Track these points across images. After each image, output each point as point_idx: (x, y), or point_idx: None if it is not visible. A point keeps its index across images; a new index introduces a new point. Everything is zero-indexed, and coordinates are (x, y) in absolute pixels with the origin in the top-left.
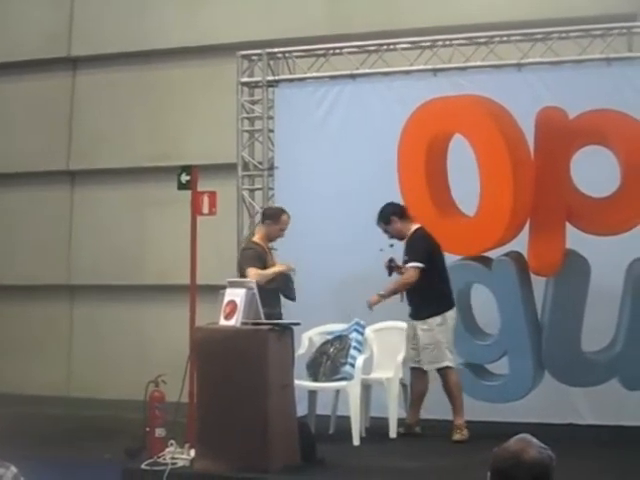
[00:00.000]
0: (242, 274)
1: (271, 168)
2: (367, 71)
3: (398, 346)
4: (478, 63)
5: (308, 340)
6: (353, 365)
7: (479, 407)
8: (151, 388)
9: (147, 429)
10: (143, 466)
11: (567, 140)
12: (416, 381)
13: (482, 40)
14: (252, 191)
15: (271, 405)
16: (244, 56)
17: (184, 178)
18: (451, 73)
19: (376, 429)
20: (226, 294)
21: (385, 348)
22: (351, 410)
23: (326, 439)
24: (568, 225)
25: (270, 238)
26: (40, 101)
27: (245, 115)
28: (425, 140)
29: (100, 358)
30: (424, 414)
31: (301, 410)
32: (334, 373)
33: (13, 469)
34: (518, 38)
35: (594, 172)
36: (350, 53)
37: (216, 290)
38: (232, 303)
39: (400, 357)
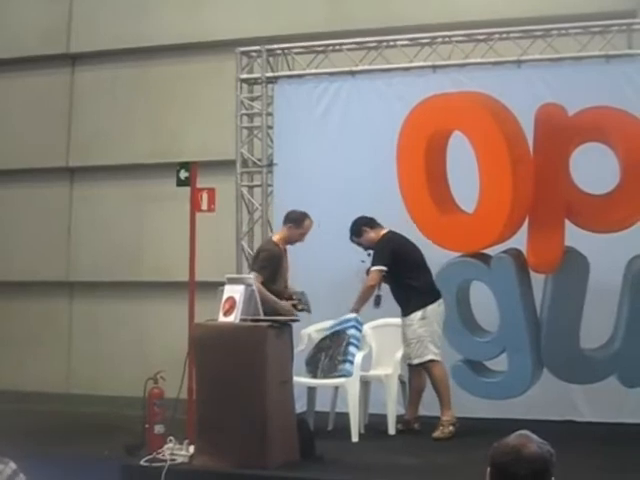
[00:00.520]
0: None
1: (270, 165)
2: (366, 68)
3: (397, 343)
4: (478, 60)
5: (307, 337)
6: (352, 362)
7: (478, 404)
8: (150, 384)
9: (146, 425)
10: (142, 462)
11: (566, 137)
12: (414, 378)
13: (482, 37)
14: (251, 188)
15: (270, 401)
16: (243, 52)
17: (183, 175)
18: (450, 70)
19: (375, 426)
20: (225, 290)
21: (384, 345)
22: (350, 407)
23: (325, 435)
24: (567, 222)
25: (290, 241)
26: (39, 98)
27: (244, 111)
28: (424, 137)
29: (99, 354)
30: (422, 411)
31: (300, 406)
32: (333, 370)
33: (12, 465)
34: (518, 35)
35: (593, 169)
36: (349, 50)
37: (215, 286)
38: (231, 299)
39: (399, 354)
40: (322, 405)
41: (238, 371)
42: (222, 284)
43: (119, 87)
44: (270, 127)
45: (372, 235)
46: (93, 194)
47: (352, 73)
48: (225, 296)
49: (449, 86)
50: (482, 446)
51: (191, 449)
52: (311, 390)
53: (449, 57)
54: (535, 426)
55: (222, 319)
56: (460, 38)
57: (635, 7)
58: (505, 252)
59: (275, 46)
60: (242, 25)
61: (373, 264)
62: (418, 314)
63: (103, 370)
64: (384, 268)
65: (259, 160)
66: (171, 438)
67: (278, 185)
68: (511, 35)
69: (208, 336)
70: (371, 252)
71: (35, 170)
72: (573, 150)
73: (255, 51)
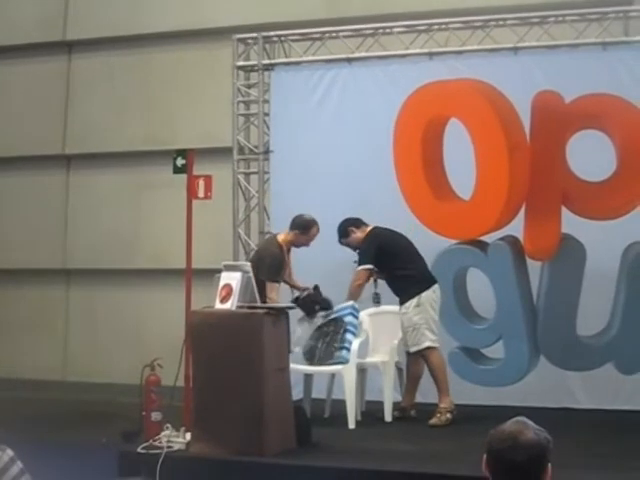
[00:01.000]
0: (257, 273)
1: (267, 152)
2: (363, 55)
3: (393, 330)
4: (474, 47)
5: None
6: (348, 349)
7: (475, 391)
8: (147, 372)
9: (143, 413)
10: (139, 450)
11: (563, 124)
12: (412, 365)
13: (478, 24)
14: (247, 175)
15: (267, 389)
16: (240, 40)
17: (180, 162)
18: (447, 57)
19: (371, 413)
20: (222, 278)
21: (381, 332)
22: (346, 394)
23: (322, 423)
24: (564, 209)
25: (295, 245)
26: (35, 85)
27: (241, 99)
28: (421, 124)
29: (96, 342)
30: (419, 398)
31: (297, 394)
32: (329, 357)
33: (9, 452)
34: (514, 22)
35: (590, 156)
36: (346, 37)
37: (212, 274)
38: (228, 287)
39: (395, 341)
40: (319, 392)
41: (235, 358)
42: (219, 271)
43: (116, 74)
44: (267, 114)
45: (359, 235)
46: (90, 181)
47: (349, 60)
48: (222, 283)
49: (446, 73)
50: (479, 433)
51: (188, 436)
52: (308, 377)
53: (446, 44)
54: (532, 413)
55: (219, 306)
56: (457, 25)
57: None
58: (502, 239)
59: (272, 33)
60: (239, 12)
61: (359, 263)
62: (413, 301)
63: (100, 357)
64: (369, 267)
65: (256, 147)
66: (168, 425)
67: (275, 172)
68: (508, 22)
69: (205, 323)
70: None
71: (31, 157)
72: (570, 137)
73: (252, 38)
